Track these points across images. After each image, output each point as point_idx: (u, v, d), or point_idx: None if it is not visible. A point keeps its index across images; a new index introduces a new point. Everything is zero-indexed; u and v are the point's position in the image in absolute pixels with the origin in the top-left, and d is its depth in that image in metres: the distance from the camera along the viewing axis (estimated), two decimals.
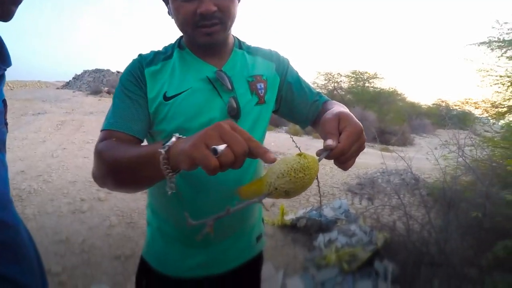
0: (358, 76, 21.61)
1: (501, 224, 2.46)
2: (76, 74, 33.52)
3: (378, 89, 20.93)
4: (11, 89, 27.21)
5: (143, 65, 1.05)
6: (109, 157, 0.85)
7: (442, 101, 21.48)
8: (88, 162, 6.56)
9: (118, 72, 32.14)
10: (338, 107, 0.97)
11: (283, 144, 9.97)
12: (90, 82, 28.92)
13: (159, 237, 1.19)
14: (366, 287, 2.63)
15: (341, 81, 21.96)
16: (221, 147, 0.59)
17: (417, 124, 18.17)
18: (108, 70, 32.18)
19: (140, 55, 1.10)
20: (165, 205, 1.17)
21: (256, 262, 1.31)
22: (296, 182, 0.62)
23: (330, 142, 0.72)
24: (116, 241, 3.55)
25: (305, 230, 3.73)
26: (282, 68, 1.22)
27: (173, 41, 1.17)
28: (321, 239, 3.26)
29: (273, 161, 0.62)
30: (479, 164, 3.41)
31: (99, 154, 0.88)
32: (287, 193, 0.64)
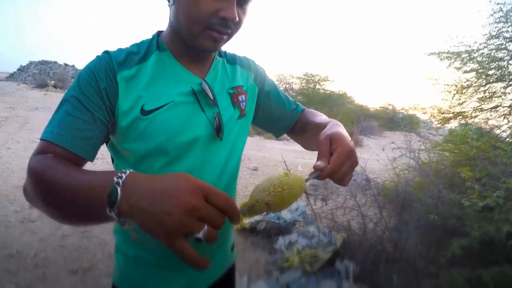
0: (309, 78, 22.00)
1: (452, 222, 2.60)
2: (21, 65, 31.78)
3: (329, 92, 21.42)
4: None
5: (114, 66, 0.87)
6: (42, 179, 0.70)
7: (389, 105, 22.28)
8: None
9: (66, 64, 30.78)
10: (333, 126, 0.91)
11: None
12: (36, 74, 27.27)
13: (135, 264, 1.02)
14: (330, 287, 2.70)
15: (292, 82, 22.29)
16: (202, 233, 0.54)
17: (365, 126, 18.62)
18: (55, 62, 30.58)
19: (107, 52, 0.91)
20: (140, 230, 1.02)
21: (231, 272, 1.25)
22: (275, 195, 0.69)
23: (319, 163, 0.75)
24: (71, 253, 3.30)
25: (265, 233, 3.76)
26: (260, 78, 1.17)
27: (136, 38, 1.00)
28: (282, 241, 3.32)
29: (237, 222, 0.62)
30: (430, 166, 3.60)
31: (31, 171, 0.72)
32: (268, 206, 0.69)
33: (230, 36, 0.89)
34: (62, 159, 0.75)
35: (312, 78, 22.01)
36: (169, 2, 0.90)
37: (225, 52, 1.13)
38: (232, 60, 1.12)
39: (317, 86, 21.96)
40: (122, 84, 0.87)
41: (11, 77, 30.31)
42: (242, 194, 5.17)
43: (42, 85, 21.45)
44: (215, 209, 0.57)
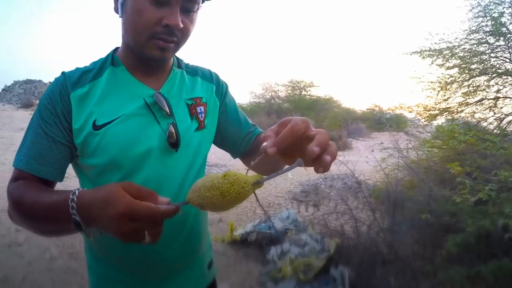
0: (295, 85, 22.02)
1: (445, 219, 2.55)
2: (6, 85, 31.45)
3: (315, 97, 21.50)
4: None
5: (67, 86, 0.90)
6: (21, 203, 0.81)
7: (376, 106, 22.40)
8: None
9: (50, 83, 30.58)
10: None
11: (224, 155, 9.83)
12: (21, 94, 26.80)
13: (104, 280, 1.06)
14: None
15: (278, 90, 22.29)
16: (147, 238, 0.67)
17: (353, 129, 18.69)
18: (40, 81, 30.20)
19: (63, 74, 0.94)
20: (105, 248, 1.02)
21: None
22: (204, 199, 0.65)
23: (264, 144, 0.62)
24: (59, 276, 3.22)
25: (257, 244, 3.68)
26: (221, 92, 1.15)
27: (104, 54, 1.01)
28: (274, 251, 3.22)
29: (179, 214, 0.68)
30: (418, 164, 3.56)
31: (11, 197, 0.84)
32: (201, 207, 0.67)
33: (177, 44, 0.90)
34: (34, 183, 0.85)
35: (298, 84, 22.04)
36: (119, 15, 0.91)
37: (187, 64, 1.13)
38: (192, 71, 1.12)
39: (303, 93, 22.02)
40: (75, 103, 0.89)
41: None
42: None
43: (27, 105, 21.01)
44: (144, 223, 0.64)
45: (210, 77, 1.14)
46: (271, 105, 20.68)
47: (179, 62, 1.10)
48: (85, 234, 0.69)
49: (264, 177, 0.66)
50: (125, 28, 0.89)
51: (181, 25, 0.84)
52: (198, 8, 0.90)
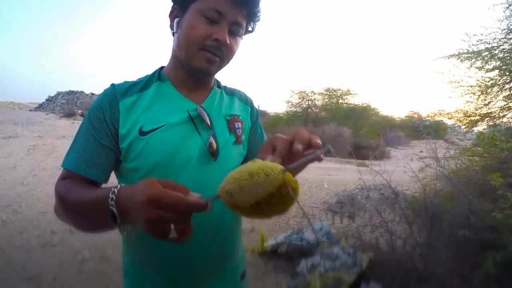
0: (331, 93, 21.89)
1: (485, 235, 2.40)
2: (49, 96, 33.05)
3: (352, 105, 21.20)
4: None
5: (117, 96, 1.00)
6: (65, 199, 0.86)
7: (415, 113, 21.87)
8: None
9: (92, 94, 32.03)
10: None
11: None
12: (64, 104, 28.66)
13: (138, 283, 1.12)
14: None
15: (315, 99, 22.14)
16: (173, 232, 0.66)
17: (392, 137, 18.35)
18: (82, 92, 31.91)
19: (113, 85, 1.04)
20: (142, 250, 1.09)
21: None
22: (232, 182, 0.63)
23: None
24: (88, 278, 3.30)
25: (287, 256, 3.59)
26: (254, 115, 1.26)
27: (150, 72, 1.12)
28: (304, 264, 3.13)
29: (209, 210, 0.65)
30: (457, 175, 3.39)
31: (58, 194, 0.89)
32: (230, 195, 0.63)
33: (222, 60, 1.01)
34: (80, 182, 0.92)
35: (335, 93, 21.87)
36: (172, 30, 1.04)
37: (224, 86, 1.24)
38: (230, 92, 1.23)
39: (340, 101, 21.75)
40: (123, 110, 0.99)
41: (40, 107, 31.55)
42: None
43: (69, 114, 22.38)
44: (169, 212, 0.62)
45: (245, 99, 1.26)
46: (308, 114, 20.62)
47: (218, 84, 1.21)
48: (119, 230, 0.71)
49: (290, 165, 0.65)
50: (178, 41, 1.00)
51: (228, 42, 0.96)
52: (242, 34, 1.03)
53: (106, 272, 3.43)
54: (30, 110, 29.32)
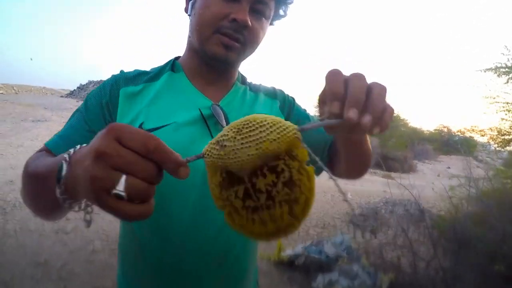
0: None
1: None
2: (81, 84, 33.90)
3: None
4: (16, 93, 27.53)
5: (120, 82, 0.89)
6: (26, 166, 0.71)
7: (444, 127, 21.36)
8: None
9: None
10: None
11: None
12: None
13: None
14: None
15: None
16: (122, 185, 0.41)
17: (419, 150, 17.87)
18: None
19: (121, 72, 0.94)
20: (140, 276, 0.93)
21: None
22: (228, 128, 0.47)
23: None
24: (97, 270, 3.24)
25: (304, 269, 3.44)
26: (288, 107, 1.08)
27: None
28: (321, 280, 3.00)
29: (185, 177, 0.46)
30: (490, 197, 3.19)
31: (25, 165, 0.72)
32: (221, 146, 0.46)
33: (244, 46, 0.86)
34: (49, 155, 0.78)
35: None
36: (188, 13, 0.92)
37: (250, 83, 1.09)
38: (256, 88, 1.07)
39: None
40: (123, 99, 0.86)
41: (71, 94, 32.34)
42: None
43: None
44: (131, 153, 0.42)
45: (273, 94, 1.08)
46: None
47: (243, 79, 1.07)
48: (67, 206, 0.52)
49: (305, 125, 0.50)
50: (192, 25, 0.88)
51: (249, 23, 0.81)
52: (269, 16, 0.89)
53: (115, 266, 3.33)
54: (61, 96, 30.15)
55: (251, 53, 0.91)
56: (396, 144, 16.70)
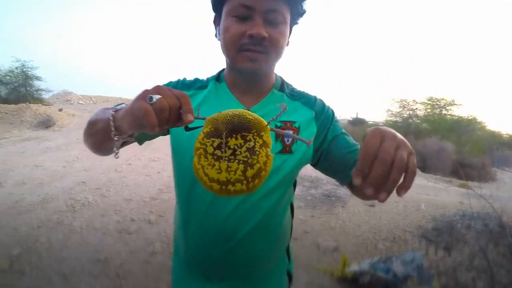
0: (434, 103, 20.55)
1: None
2: None
3: (456, 117, 19.61)
4: (94, 103, 29.95)
5: (177, 87, 1.08)
6: (90, 118, 0.93)
7: None
8: (148, 180, 6.46)
9: None
10: None
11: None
12: None
13: (178, 273, 1.23)
14: None
15: (416, 108, 20.95)
16: (156, 96, 0.62)
17: (499, 156, 16.58)
18: None
19: (183, 78, 1.12)
20: (183, 245, 1.16)
21: None
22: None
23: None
24: (154, 271, 3.31)
25: None
26: (324, 119, 1.10)
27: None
28: None
29: (188, 122, 0.64)
30: None
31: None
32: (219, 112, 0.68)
33: (268, 55, 0.95)
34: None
35: (437, 102, 20.45)
36: (217, 38, 1.03)
37: (292, 89, 1.15)
38: (295, 96, 1.13)
39: (443, 112, 20.29)
40: None
41: None
42: (353, 233, 4.61)
43: None
44: (167, 89, 0.65)
45: (311, 103, 1.12)
46: (409, 124, 19.56)
47: (283, 85, 1.13)
48: (118, 139, 0.76)
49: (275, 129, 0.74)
50: (222, 47, 0.99)
51: (265, 34, 0.90)
52: (286, 20, 0.95)
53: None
54: None
55: (278, 58, 0.99)
56: (472, 150, 15.68)
